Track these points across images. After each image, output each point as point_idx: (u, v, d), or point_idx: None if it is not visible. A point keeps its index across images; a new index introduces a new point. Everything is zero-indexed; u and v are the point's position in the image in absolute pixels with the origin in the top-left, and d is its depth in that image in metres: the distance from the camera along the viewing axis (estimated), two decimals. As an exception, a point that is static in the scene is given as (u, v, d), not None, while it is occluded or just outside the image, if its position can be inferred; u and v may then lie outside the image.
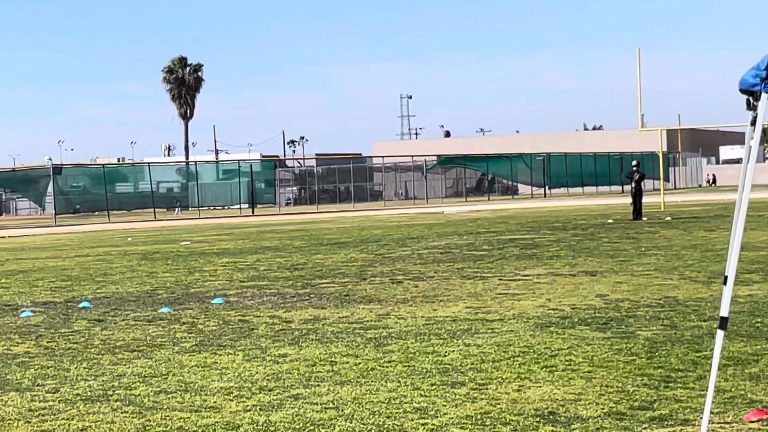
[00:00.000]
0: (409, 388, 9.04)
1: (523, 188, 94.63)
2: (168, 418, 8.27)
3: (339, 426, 7.81)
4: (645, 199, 38.75)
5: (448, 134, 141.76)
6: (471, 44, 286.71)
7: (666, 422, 7.54)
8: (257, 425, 7.93)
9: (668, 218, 36.89)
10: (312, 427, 7.80)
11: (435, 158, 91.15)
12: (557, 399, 8.39)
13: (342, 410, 8.31)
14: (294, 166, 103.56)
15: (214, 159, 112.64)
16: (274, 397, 8.89)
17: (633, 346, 10.62)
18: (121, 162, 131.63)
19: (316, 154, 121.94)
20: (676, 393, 8.43)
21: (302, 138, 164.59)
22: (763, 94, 6.25)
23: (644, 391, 8.55)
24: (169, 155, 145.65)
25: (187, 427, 7.95)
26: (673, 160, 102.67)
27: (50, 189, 69.07)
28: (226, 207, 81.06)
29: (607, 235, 28.53)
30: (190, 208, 78.37)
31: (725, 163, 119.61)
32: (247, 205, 75.73)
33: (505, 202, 75.41)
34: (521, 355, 10.43)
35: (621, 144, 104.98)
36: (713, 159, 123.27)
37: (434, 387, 9.06)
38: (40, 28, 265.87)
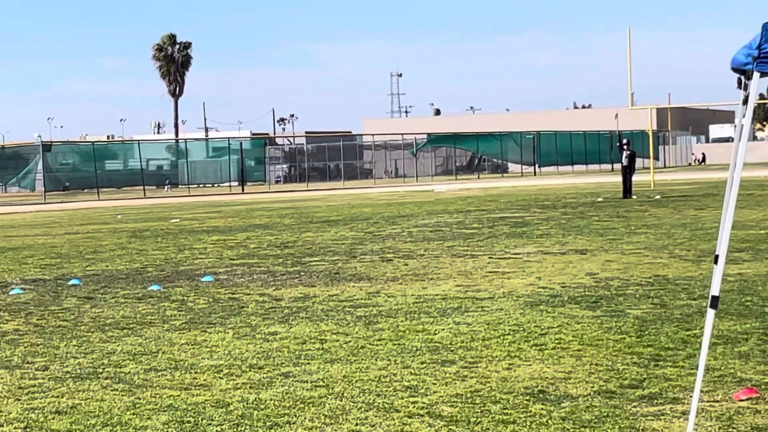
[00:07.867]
0: (399, 367, 9.04)
1: (512, 166, 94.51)
2: (158, 396, 8.27)
3: (329, 404, 7.81)
4: (635, 178, 38.78)
5: (438, 112, 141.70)
6: (460, 22, 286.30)
7: (656, 400, 7.55)
8: (247, 403, 7.93)
9: (658, 197, 36.93)
10: (302, 405, 7.79)
11: (425, 136, 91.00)
12: (547, 377, 8.40)
13: (332, 388, 8.31)
14: (284, 144, 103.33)
15: (204, 136, 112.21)
16: (264, 375, 8.89)
17: (623, 325, 10.64)
18: (110, 139, 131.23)
19: (306, 132, 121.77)
20: (666, 371, 8.45)
21: (292, 116, 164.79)
22: (755, 74, 6.23)
23: (634, 369, 8.56)
24: (158, 133, 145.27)
25: (176, 405, 7.94)
26: (663, 139, 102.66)
27: (39, 166, 68.78)
28: (215, 185, 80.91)
29: (596, 214, 28.56)
30: (179, 186, 78.19)
31: (715, 142, 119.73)
32: (236, 183, 75.59)
33: (494, 180, 75.40)
34: (511, 333, 10.44)
35: (611, 122, 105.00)
36: (703, 137, 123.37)
37: (424, 365, 9.06)
38: (29, 4, 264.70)
